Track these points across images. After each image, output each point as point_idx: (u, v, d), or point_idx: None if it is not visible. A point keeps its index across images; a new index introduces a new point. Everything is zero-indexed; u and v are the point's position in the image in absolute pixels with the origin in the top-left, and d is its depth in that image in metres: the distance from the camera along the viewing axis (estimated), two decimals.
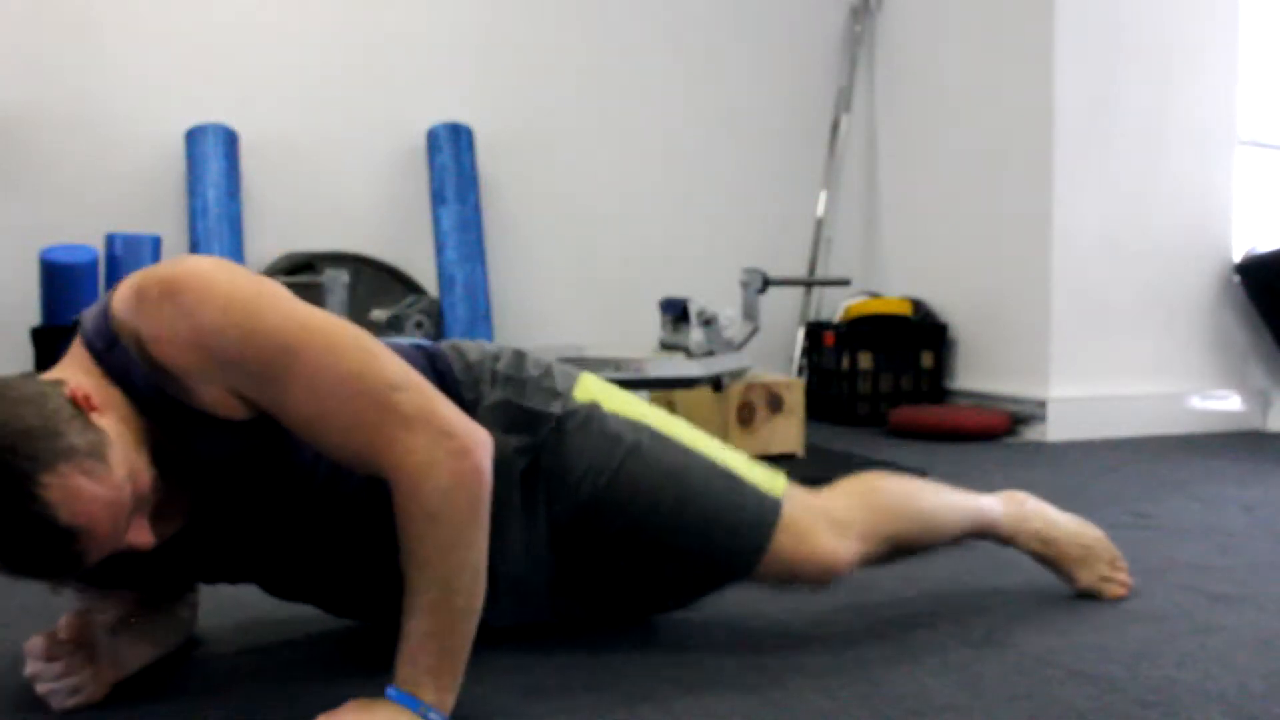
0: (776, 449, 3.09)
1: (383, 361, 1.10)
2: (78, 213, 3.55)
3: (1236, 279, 3.88)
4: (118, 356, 1.08)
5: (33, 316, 3.41)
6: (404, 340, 1.36)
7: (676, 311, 3.22)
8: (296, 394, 1.07)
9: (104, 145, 3.60)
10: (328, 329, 1.09)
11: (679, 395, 3.22)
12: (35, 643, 1.19)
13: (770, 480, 1.41)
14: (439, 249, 3.80)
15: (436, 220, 3.83)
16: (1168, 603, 1.62)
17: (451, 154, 3.85)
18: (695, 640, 1.43)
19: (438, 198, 3.83)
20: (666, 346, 3.26)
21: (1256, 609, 1.58)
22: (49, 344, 3.22)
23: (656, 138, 4.30)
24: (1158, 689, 1.25)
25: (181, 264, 1.08)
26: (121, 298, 1.08)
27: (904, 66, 4.41)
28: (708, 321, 3.07)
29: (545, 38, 4.15)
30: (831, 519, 1.40)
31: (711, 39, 4.38)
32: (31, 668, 1.20)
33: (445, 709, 1.07)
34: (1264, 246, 3.82)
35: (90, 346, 1.10)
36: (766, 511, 1.37)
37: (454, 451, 1.07)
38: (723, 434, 3.03)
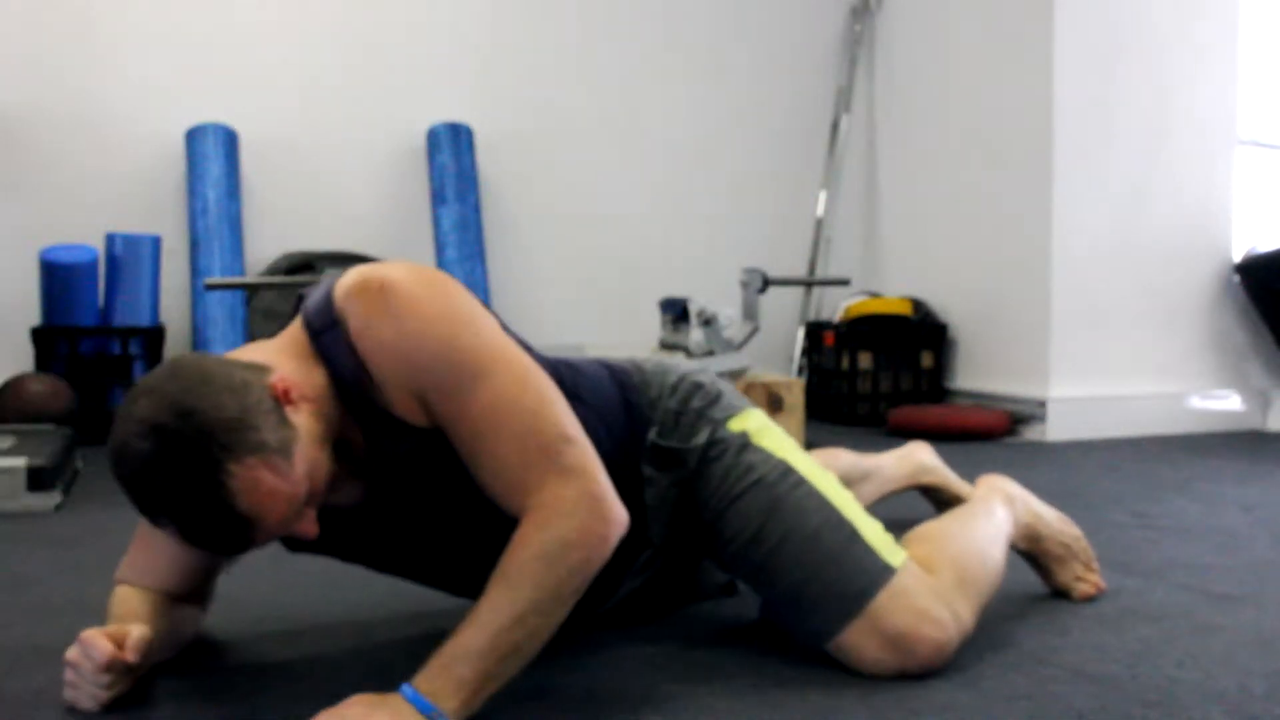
0: None
1: (561, 410, 1.17)
2: (78, 213, 3.55)
3: (1236, 279, 3.88)
4: (331, 340, 1.15)
5: (33, 316, 3.41)
6: (586, 358, 1.45)
7: (676, 311, 3.22)
8: (473, 414, 1.13)
9: (104, 145, 3.60)
10: (520, 364, 1.17)
11: None
12: (98, 645, 1.15)
13: (891, 549, 1.32)
14: (439, 249, 3.80)
15: (436, 220, 3.83)
16: (1168, 603, 1.62)
17: (451, 154, 3.85)
18: (695, 640, 1.43)
19: (438, 198, 3.83)
20: (666, 346, 3.26)
21: (1256, 609, 1.58)
22: (49, 344, 3.23)
23: (656, 138, 4.30)
24: (1158, 689, 1.25)
25: (405, 270, 1.16)
26: (345, 286, 1.15)
27: (904, 66, 4.42)
28: (708, 321, 3.07)
29: (545, 38, 4.15)
30: (942, 596, 1.31)
31: (711, 39, 4.38)
32: (78, 661, 1.16)
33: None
34: (1264, 246, 3.82)
35: (309, 325, 1.17)
36: (877, 572, 1.28)
37: (595, 514, 1.12)
38: None
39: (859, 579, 1.28)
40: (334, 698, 1.09)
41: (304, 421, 1.10)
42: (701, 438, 1.37)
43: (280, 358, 1.15)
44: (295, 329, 1.20)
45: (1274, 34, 4.05)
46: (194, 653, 1.40)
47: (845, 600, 1.27)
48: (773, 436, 1.40)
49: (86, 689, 1.17)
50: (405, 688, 1.05)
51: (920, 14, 4.32)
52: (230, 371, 1.08)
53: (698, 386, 1.42)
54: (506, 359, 1.15)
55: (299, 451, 1.07)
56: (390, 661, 1.35)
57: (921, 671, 1.27)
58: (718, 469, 1.36)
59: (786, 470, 1.35)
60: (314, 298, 1.19)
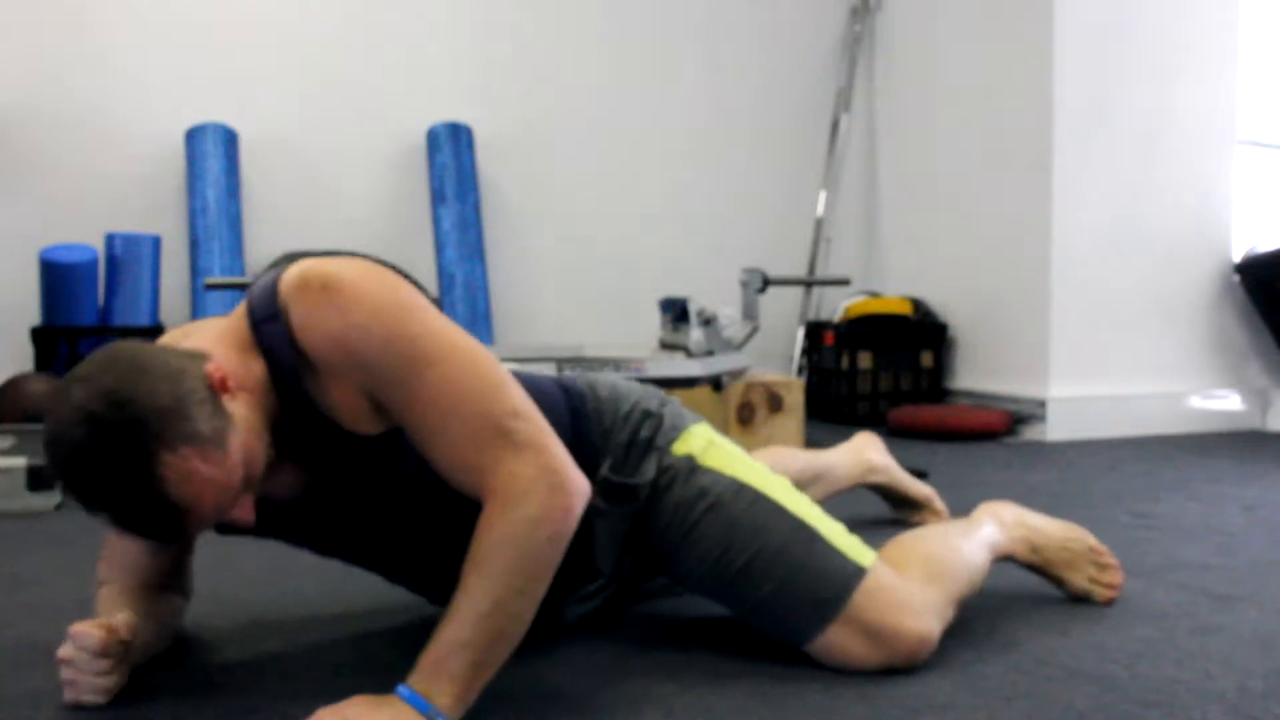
0: None
1: (509, 389, 1.16)
2: (78, 213, 3.55)
3: (1236, 279, 3.88)
4: (271, 331, 1.15)
5: (33, 316, 3.41)
6: (543, 376, 1.43)
7: (676, 311, 3.22)
8: (423, 400, 1.13)
9: (104, 145, 3.60)
10: (467, 348, 1.16)
11: (679, 395, 3.22)
12: (90, 634, 1.16)
13: (858, 550, 1.33)
14: (439, 249, 3.80)
15: (436, 220, 3.83)
16: (1168, 603, 1.62)
17: (451, 154, 3.85)
18: (696, 640, 1.43)
19: (438, 198, 3.83)
20: (666, 346, 3.26)
21: (1256, 609, 1.58)
22: (49, 344, 3.23)
23: (656, 138, 4.30)
24: (1158, 689, 1.25)
25: (348, 265, 1.17)
26: (289, 279, 1.15)
27: (904, 66, 4.42)
28: (708, 321, 3.07)
29: (545, 38, 4.15)
30: (912, 594, 1.32)
31: (711, 39, 4.38)
32: (73, 655, 1.17)
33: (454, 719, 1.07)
34: (1264, 246, 3.82)
35: (252, 314, 1.17)
36: (849, 575, 1.29)
37: (554, 486, 1.12)
38: (723, 434, 3.03)
39: (833, 583, 1.29)
40: (331, 694, 1.09)
41: (240, 410, 1.10)
42: (650, 470, 1.36)
43: (220, 345, 1.15)
44: (238, 316, 1.19)
45: (1274, 34, 4.05)
46: (192, 650, 1.40)
47: (822, 605, 1.28)
48: (719, 453, 1.39)
49: (85, 681, 1.17)
50: (401, 689, 1.06)
51: (920, 14, 4.32)
52: (166, 359, 1.07)
53: (646, 415, 1.40)
54: (454, 344, 1.15)
55: (234, 440, 1.07)
56: (388, 659, 1.35)
57: (908, 664, 1.29)
58: (669, 500, 1.35)
59: (739, 488, 1.34)
60: (259, 285, 1.18)
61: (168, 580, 1.37)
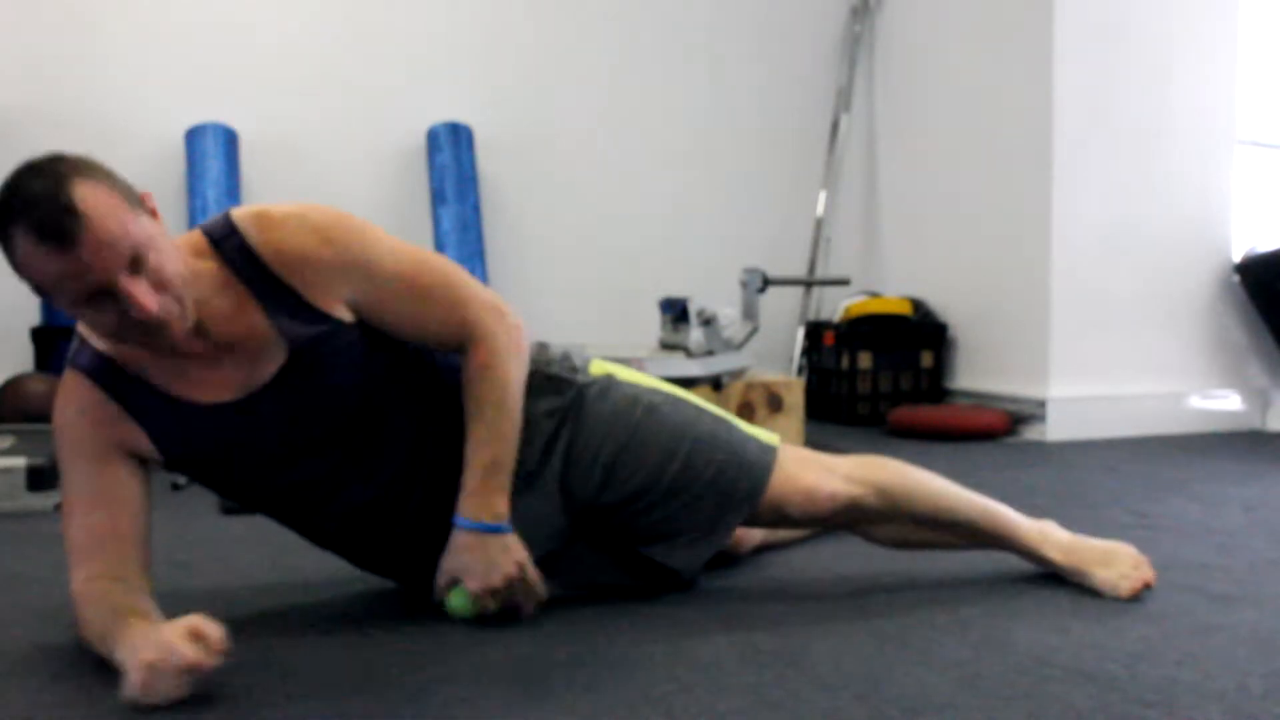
0: None
1: (452, 265, 1.49)
2: None
3: (1236, 279, 3.88)
4: (232, 243, 1.36)
5: (33, 316, 3.41)
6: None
7: (676, 311, 3.22)
8: (388, 273, 1.40)
9: (104, 145, 3.57)
10: (414, 247, 1.47)
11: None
12: (183, 650, 1.17)
13: (768, 435, 1.64)
14: (439, 249, 3.80)
15: (436, 220, 3.83)
16: (1168, 603, 1.62)
17: (451, 154, 3.85)
18: (695, 639, 1.43)
19: (438, 198, 3.83)
20: (666, 346, 3.26)
21: (1256, 609, 1.59)
22: (49, 344, 3.23)
23: (656, 138, 4.30)
24: (1158, 689, 1.25)
25: (299, 203, 1.42)
26: (242, 212, 1.37)
27: (904, 66, 4.42)
28: (708, 321, 3.07)
29: (545, 38, 4.15)
30: (822, 463, 1.62)
31: (711, 39, 4.38)
32: (164, 664, 1.16)
33: (506, 519, 1.43)
34: (1264, 246, 3.82)
35: (207, 233, 1.37)
36: (766, 452, 1.59)
37: (506, 321, 1.47)
38: None
39: (759, 463, 1.58)
40: (330, 693, 1.09)
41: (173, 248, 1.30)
42: (578, 378, 1.57)
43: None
44: (188, 236, 1.39)
45: (1274, 34, 4.05)
46: None
47: (759, 468, 1.57)
48: (627, 374, 1.62)
49: (162, 689, 1.17)
50: (466, 521, 1.41)
51: (920, 14, 4.32)
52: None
53: (542, 344, 1.61)
54: (402, 242, 1.44)
55: (164, 240, 1.27)
56: (388, 659, 1.35)
57: (830, 513, 1.60)
58: (605, 407, 1.55)
59: (665, 395, 1.59)
60: (209, 222, 1.39)
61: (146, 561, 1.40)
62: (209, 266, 1.35)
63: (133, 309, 1.23)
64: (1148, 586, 1.62)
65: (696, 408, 1.60)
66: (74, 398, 1.38)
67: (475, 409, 1.43)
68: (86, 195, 1.22)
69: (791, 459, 1.61)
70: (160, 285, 1.25)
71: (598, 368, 1.62)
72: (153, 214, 1.30)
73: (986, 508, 1.66)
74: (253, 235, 1.35)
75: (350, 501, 1.46)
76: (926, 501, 1.63)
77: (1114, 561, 1.64)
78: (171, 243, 1.30)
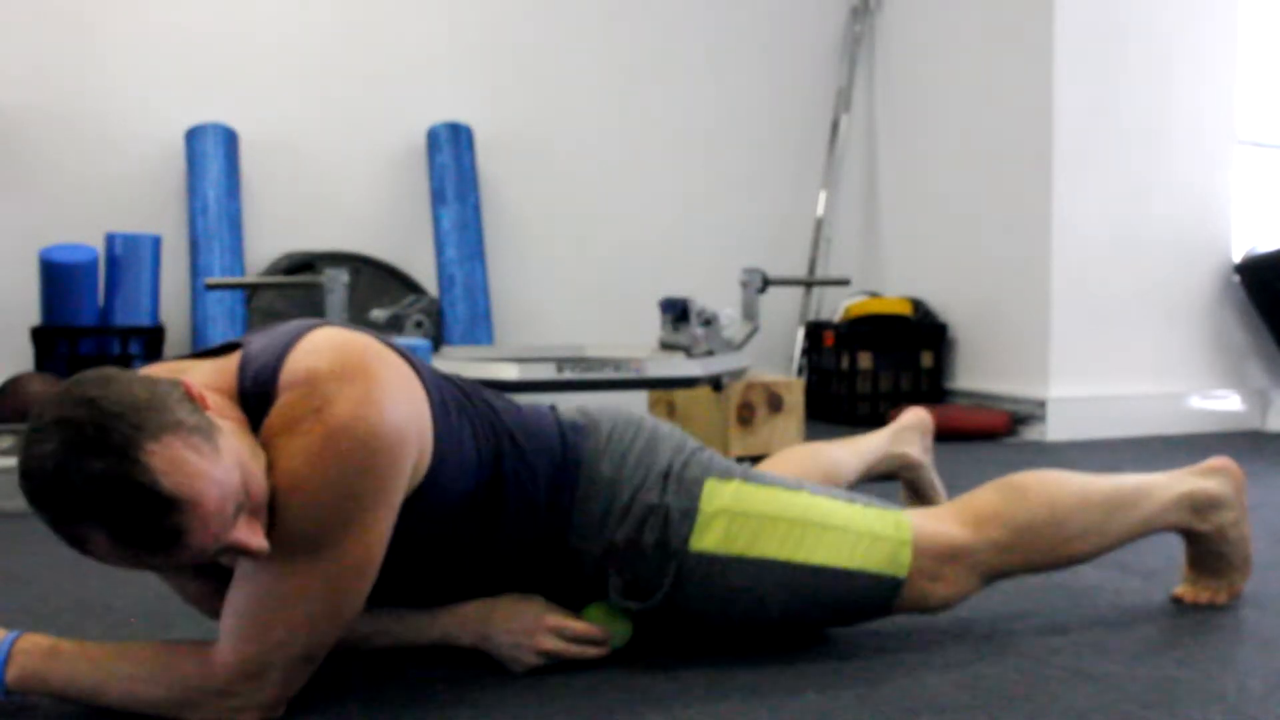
0: (776, 449, 3.09)
1: (327, 632, 1.11)
2: (78, 213, 3.55)
3: (1236, 279, 3.88)
4: (255, 407, 1.11)
5: (33, 316, 3.41)
6: (547, 418, 1.36)
7: (676, 311, 3.22)
8: (276, 561, 1.07)
9: (104, 145, 3.60)
10: (351, 572, 1.10)
11: (679, 395, 3.22)
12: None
13: (891, 554, 1.36)
14: (439, 249, 3.80)
15: (436, 220, 3.83)
16: (1168, 603, 1.62)
17: (451, 154, 3.85)
18: (695, 640, 1.43)
19: (438, 198, 3.83)
20: (666, 346, 3.26)
21: (1257, 609, 1.58)
22: (49, 344, 3.23)
23: (656, 138, 4.30)
24: (1158, 689, 1.25)
25: (356, 388, 1.07)
26: (292, 371, 1.09)
27: (904, 66, 4.41)
28: (708, 321, 3.07)
29: (545, 37, 4.15)
30: (954, 551, 1.38)
31: (711, 39, 4.38)
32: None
33: None
34: (1264, 246, 3.82)
35: (242, 379, 1.12)
36: (884, 592, 1.36)
37: (244, 690, 1.10)
38: (723, 434, 3.03)
39: (876, 604, 1.38)
40: (330, 694, 1.09)
41: (229, 426, 1.05)
42: (665, 582, 1.32)
43: (207, 380, 1.12)
44: (229, 370, 1.14)
45: (1274, 34, 4.05)
46: None
47: (873, 610, 1.39)
48: (744, 528, 1.33)
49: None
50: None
51: (920, 14, 4.32)
52: (134, 374, 1.02)
53: (650, 511, 1.31)
54: (351, 557, 1.09)
55: (224, 442, 1.01)
56: (388, 660, 1.35)
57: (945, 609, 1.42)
58: (695, 595, 1.33)
59: (773, 574, 1.33)
60: (260, 353, 1.12)
61: None
62: (239, 414, 1.12)
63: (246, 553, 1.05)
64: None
65: (816, 570, 1.34)
66: (405, 391, 1.13)
67: (138, 676, 1.13)
68: (169, 467, 0.95)
69: (923, 569, 1.37)
70: (258, 509, 1.05)
71: (699, 537, 1.32)
72: (203, 404, 1.04)
73: (1145, 507, 1.51)
74: (273, 419, 1.10)
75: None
76: (1064, 545, 1.45)
77: (1237, 575, 1.63)
78: (232, 434, 1.05)
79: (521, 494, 1.28)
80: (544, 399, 3.20)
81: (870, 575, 1.35)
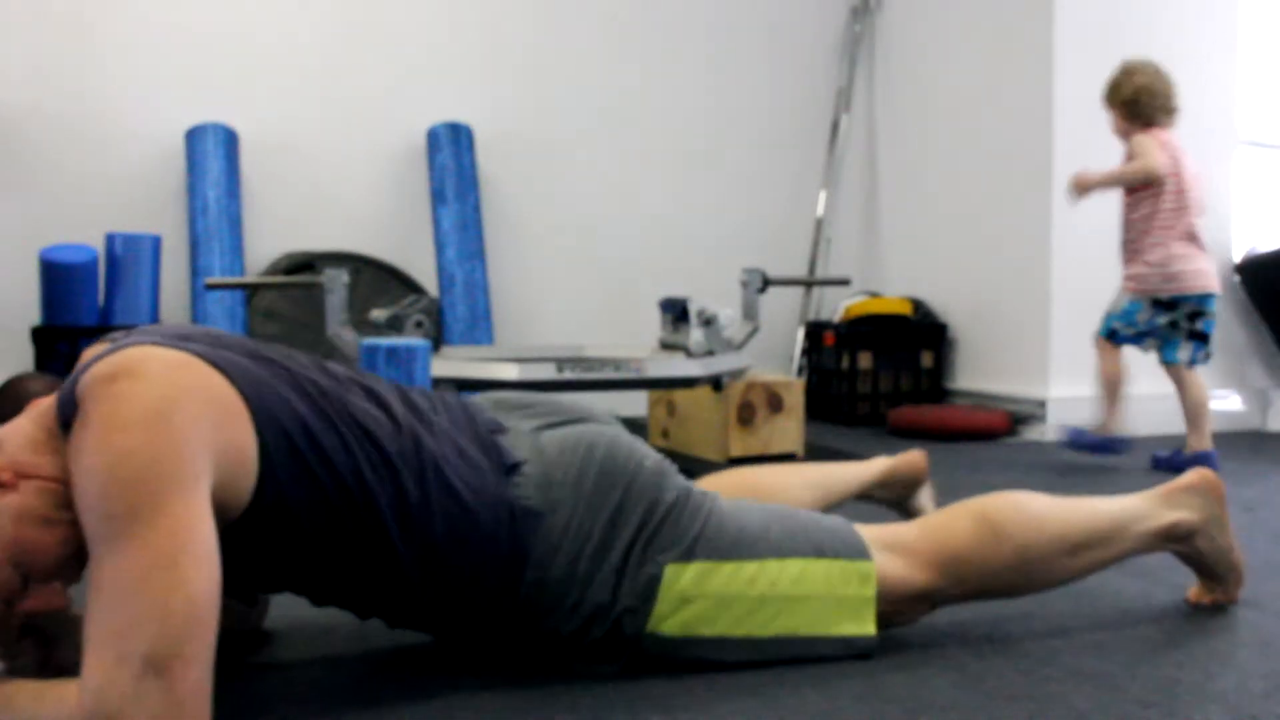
0: (776, 449, 3.09)
1: (173, 624, 1.00)
2: (78, 213, 3.55)
3: (1236, 279, 3.88)
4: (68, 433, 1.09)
5: (33, 316, 3.41)
6: (501, 463, 1.28)
7: (676, 311, 3.22)
8: (100, 571, 1.00)
9: (104, 145, 3.60)
10: (165, 566, 1.00)
11: (679, 395, 3.22)
12: None
13: (857, 612, 1.35)
14: (439, 249, 3.80)
15: (436, 220, 3.83)
16: (1168, 603, 1.62)
17: (451, 154, 3.85)
18: None
19: (438, 198, 3.83)
20: (666, 346, 3.26)
21: (1257, 609, 1.58)
22: (49, 344, 3.23)
23: (656, 138, 4.30)
24: (1158, 689, 1.25)
25: (151, 376, 1.06)
26: (86, 382, 1.06)
27: (904, 66, 4.41)
28: (708, 321, 3.07)
29: (545, 38, 4.15)
30: (920, 595, 1.39)
31: (712, 39, 4.38)
32: None
33: None
34: (1264, 246, 3.82)
35: (60, 408, 1.11)
36: (857, 648, 1.36)
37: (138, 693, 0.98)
38: (723, 434, 3.03)
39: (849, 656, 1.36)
40: (331, 695, 1.09)
41: (15, 503, 1.08)
42: (623, 657, 1.30)
43: (32, 427, 1.13)
44: (51, 397, 1.15)
45: (1274, 34, 4.05)
46: None
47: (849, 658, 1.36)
48: (703, 607, 1.30)
49: None
50: None
51: (920, 14, 4.32)
52: None
53: (599, 608, 1.27)
54: (154, 547, 1.00)
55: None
56: (388, 660, 1.35)
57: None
58: (656, 657, 1.30)
59: (736, 644, 1.32)
60: (69, 380, 1.10)
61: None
62: (62, 461, 1.13)
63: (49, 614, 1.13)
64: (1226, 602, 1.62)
65: (775, 642, 1.33)
66: (199, 381, 1.10)
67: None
68: None
69: (884, 613, 1.38)
70: (57, 566, 1.11)
71: (656, 623, 1.29)
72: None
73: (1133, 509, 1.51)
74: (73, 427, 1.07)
75: None
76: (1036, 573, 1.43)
77: (1228, 583, 1.62)
78: (16, 509, 1.09)
79: (450, 575, 1.22)
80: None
81: (837, 639, 1.35)
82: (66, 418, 1.08)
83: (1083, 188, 3.00)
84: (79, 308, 3.27)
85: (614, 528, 1.28)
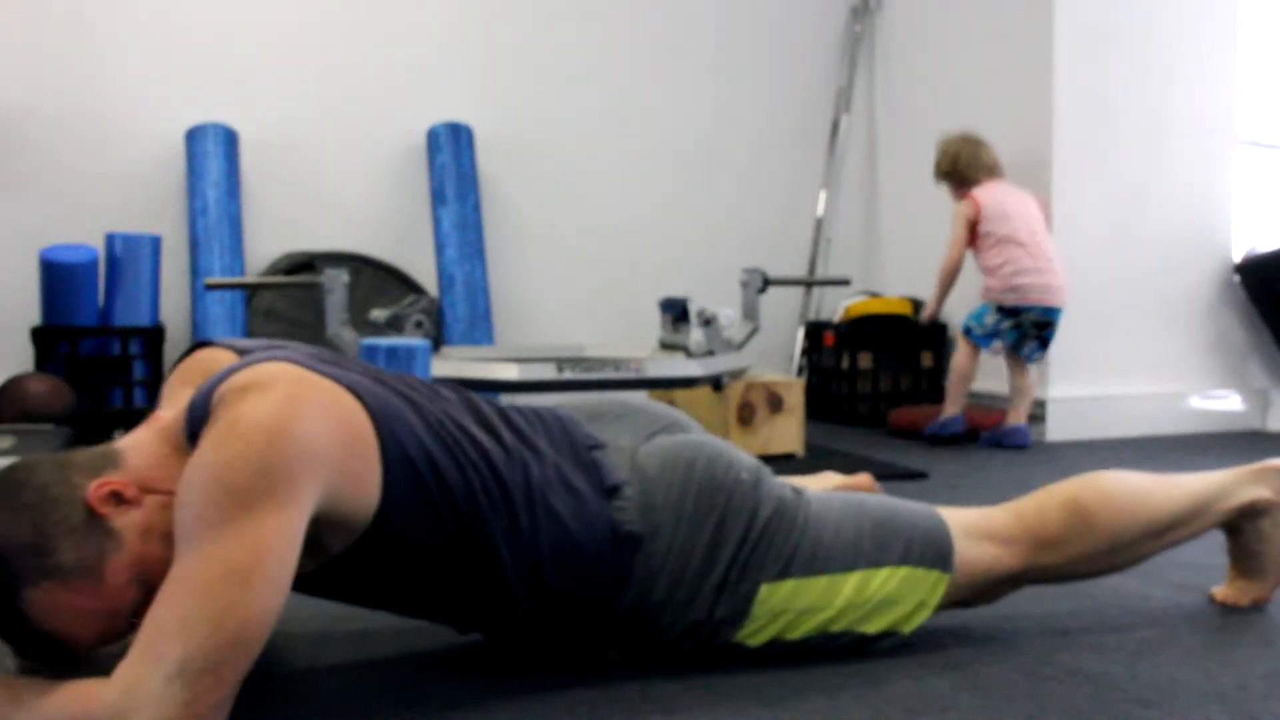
0: (776, 449, 3.09)
1: (222, 637, 0.98)
2: (78, 213, 3.55)
3: (1236, 279, 3.88)
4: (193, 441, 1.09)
5: (33, 316, 3.41)
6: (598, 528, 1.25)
7: (676, 311, 3.22)
8: (175, 565, 1.01)
9: (104, 145, 3.60)
10: (257, 561, 1.00)
11: (679, 395, 3.22)
12: None
13: (909, 616, 1.37)
14: (439, 249, 3.80)
15: (436, 220, 3.83)
16: (1168, 603, 1.62)
17: (451, 154, 3.85)
18: None
19: (438, 198, 3.83)
20: (666, 346, 3.26)
21: (1256, 609, 1.58)
22: (49, 344, 3.23)
23: (656, 138, 4.30)
24: (1158, 688, 1.25)
25: (256, 398, 1.05)
26: (219, 396, 1.07)
27: (904, 66, 4.41)
28: (708, 321, 3.07)
29: (545, 38, 4.15)
30: (998, 574, 1.40)
31: (711, 39, 4.38)
32: None
33: None
34: (1264, 246, 3.82)
35: (188, 417, 1.10)
36: (891, 640, 1.37)
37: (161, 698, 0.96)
38: (723, 434, 3.03)
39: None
40: (331, 695, 1.09)
41: (139, 519, 1.06)
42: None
43: (156, 441, 1.13)
44: (180, 398, 1.17)
45: (1274, 34, 4.05)
46: None
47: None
48: (790, 619, 1.31)
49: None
50: None
51: (920, 14, 4.32)
52: (45, 485, 1.05)
53: (695, 625, 1.28)
54: (233, 560, 0.99)
55: (116, 561, 1.04)
56: (388, 660, 1.35)
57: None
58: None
59: (805, 641, 1.33)
60: (200, 393, 1.10)
61: None
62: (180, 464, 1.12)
63: None
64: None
65: (841, 635, 1.35)
66: (329, 411, 1.08)
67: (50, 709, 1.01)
68: (45, 613, 1.04)
69: (949, 594, 1.39)
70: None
71: (754, 632, 1.31)
72: (104, 503, 1.06)
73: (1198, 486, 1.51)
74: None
75: None
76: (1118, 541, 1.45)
77: (1271, 580, 1.59)
78: (139, 528, 1.07)
79: (554, 599, 1.23)
80: (544, 399, 3.21)
81: (880, 634, 1.36)
82: (195, 429, 1.08)
83: (930, 318, 3.67)
84: (79, 308, 3.27)
85: (714, 548, 1.28)
